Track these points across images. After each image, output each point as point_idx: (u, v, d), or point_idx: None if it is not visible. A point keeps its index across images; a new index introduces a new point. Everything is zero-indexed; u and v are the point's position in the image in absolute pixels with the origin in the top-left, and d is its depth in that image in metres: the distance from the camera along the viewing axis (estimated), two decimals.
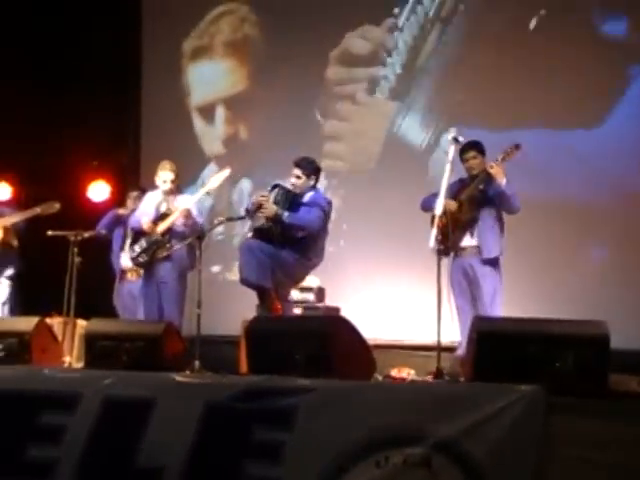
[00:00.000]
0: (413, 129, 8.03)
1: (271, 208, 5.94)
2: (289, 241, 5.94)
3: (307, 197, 6.12)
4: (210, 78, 9.12)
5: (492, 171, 5.80)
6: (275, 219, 5.92)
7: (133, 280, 7.04)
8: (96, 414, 3.45)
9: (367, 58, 8.29)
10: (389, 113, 8.15)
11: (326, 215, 6.09)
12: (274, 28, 8.69)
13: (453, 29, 7.93)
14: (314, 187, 6.20)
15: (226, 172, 6.63)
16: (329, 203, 6.16)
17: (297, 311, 6.69)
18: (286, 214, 5.94)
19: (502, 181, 5.81)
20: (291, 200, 6.04)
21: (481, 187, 5.91)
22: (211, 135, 8.97)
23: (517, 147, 5.82)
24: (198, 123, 9.01)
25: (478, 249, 5.90)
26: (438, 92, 7.97)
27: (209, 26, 9.01)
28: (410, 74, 8.11)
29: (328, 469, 3.04)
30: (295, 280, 6.31)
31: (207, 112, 8.98)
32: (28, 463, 3.47)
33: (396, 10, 8.15)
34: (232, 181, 8.49)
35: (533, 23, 7.54)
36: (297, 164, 6.17)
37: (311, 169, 6.17)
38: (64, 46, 8.91)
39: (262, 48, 8.80)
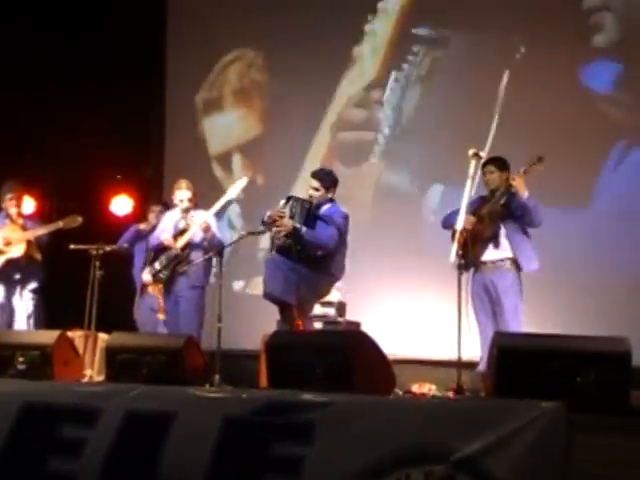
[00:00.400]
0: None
1: (288, 224, 5.91)
2: (309, 258, 5.93)
3: (324, 209, 6.06)
4: (224, 128, 9.17)
5: (514, 183, 5.78)
6: (293, 233, 5.91)
7: (154, 295, 7.06)
8: (117, 428, 3.45)
9: (363, 124, 8.50)
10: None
11: (342, 233, 5.99)
12: (281, 69, 8.75)
13: (432, 88, 8.20)
14: (331, 199, 6.17)
15: (243, 181, 6.68)
16: (346, 218, 6.06)
17: (317, 326, 6.69)
18: (304, 229, 5.87)
19: (524, 194, 5.79)
20: (307, 211, 5.98)
21: (502, 201, 5.88)
22: (230, 182, 8.89)
23: (540, 160, 5.78)
24: (218, 171, 9.01)
25: (505, 262, 5.86)
26: (423, 151, 8.14)
27: (217, 77, 9.07)
28: (398, 135, 8.33)
29: None
30: (320, 295, 6.28)
31: (224, 160, 9.00)
32: (49, 476, 3.48)
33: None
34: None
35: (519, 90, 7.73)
36: (315, 175, 6.12)
37: (330, 181, 6.12)
38: (89, 63, 8.98)
39: (270, 91, 8.89)
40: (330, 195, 6.11)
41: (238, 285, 8.60)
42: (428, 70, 8.20)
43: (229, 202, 7.33)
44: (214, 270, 6.58)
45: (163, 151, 9.35)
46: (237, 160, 8.96)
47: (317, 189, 6.06)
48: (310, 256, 5.90)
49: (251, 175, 8.70)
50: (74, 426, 3.53)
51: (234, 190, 6.65)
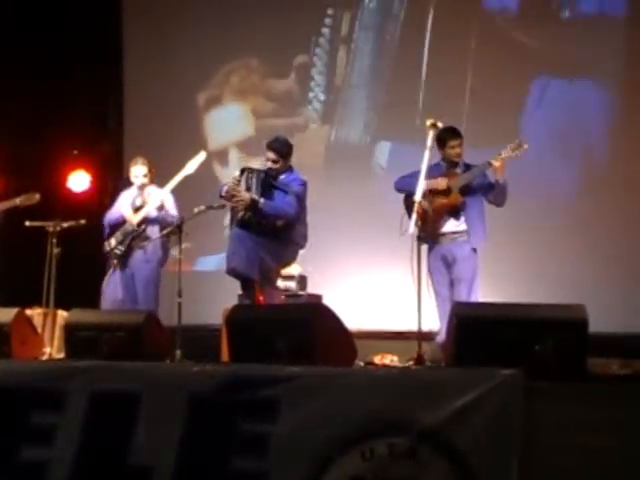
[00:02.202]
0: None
1: (246, 196, 5.88)
2: (271, 229, 5.91)
3: (282, 177, 6.03)
4: (223, 124, 9.04)
5: (496, 164, 5.81)
6: (252, 205, 5.87)
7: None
8: (83, 413, 3.42)
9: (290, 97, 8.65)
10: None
11: (301, 199, 5.98)
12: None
13: (356, 46, 8.37)
14: (290, 167, 6.10)
15: (202, 156, 6.65)
16: (304, 184, 6.03)
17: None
18: (262, 201, 5.85)
19: (502, 177, 5.83)
20: (262, 181, 5.94)
21: (478, 179, 5.91)
22: (227, 177, 8.74)
23: (521, 144, 5.83)
24: (216, 167, 8.83)
25: (464, 234, 5.89)
26: (361, 108, 8.36)
27: (219, 79, 8.95)
28: (334, 97, 8.49)
29: (314, 460, 3.05)
30: (285, 264, 6.28)
31: (222, 157, 8.84)
32: (20, 464, 3.45)
33: None
34: None
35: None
36: (270, 147, 6.03)
37: (286, 150, 6.05)
38: (45, 35, 8.83)
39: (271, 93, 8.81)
40: (289, 163, 6.08)
41: (198, 259, 8.56)
42: (349, 30, 8.36)
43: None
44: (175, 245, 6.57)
45: (122, 126, 9.23)
46: (234, 155, 8.79)
47: (275, 161, 6.01)
48: (271, 226, 5.88)
49: None
50: (42, 412, 3.49)
51: (192, 165, 6.61)
